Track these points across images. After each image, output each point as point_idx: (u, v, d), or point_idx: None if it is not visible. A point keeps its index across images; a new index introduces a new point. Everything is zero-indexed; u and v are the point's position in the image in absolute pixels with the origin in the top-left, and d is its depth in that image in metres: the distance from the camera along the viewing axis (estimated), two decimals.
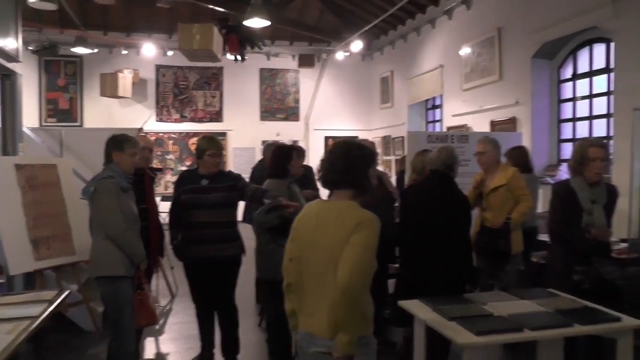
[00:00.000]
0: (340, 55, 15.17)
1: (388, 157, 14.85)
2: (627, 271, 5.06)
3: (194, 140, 14.67)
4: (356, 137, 14.01)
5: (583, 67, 8.89)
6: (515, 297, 3.76)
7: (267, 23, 10.06)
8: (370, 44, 15.25)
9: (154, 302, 4.84)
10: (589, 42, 8.69)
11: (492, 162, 5.38)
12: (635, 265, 5.16)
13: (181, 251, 4.72)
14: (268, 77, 15.86)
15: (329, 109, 16.19)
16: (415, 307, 3.54)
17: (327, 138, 15.66)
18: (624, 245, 5.58)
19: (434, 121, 13.73)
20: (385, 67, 15.25)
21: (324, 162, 2.71)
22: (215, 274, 4.69)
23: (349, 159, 2.62)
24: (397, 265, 6.36)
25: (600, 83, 8.46)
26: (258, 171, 6.72)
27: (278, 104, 15.99)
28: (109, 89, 13.89)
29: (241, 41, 11.61)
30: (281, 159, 4.80)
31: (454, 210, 4.32)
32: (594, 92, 8.62)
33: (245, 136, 15.29)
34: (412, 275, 4.35)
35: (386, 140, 15.02)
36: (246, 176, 5.80)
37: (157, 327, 5.97)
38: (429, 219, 4.25)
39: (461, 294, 3.97)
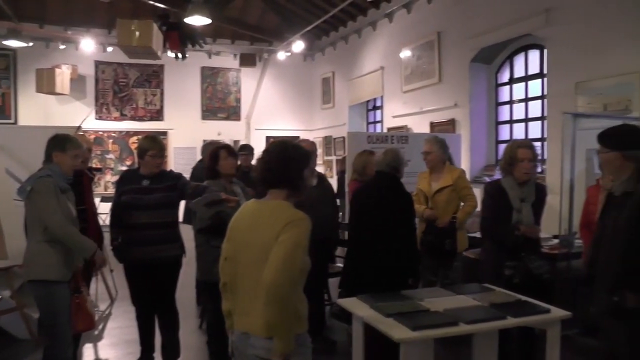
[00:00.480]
0: (281, 55, 15.05)
1: (329, 158, 14.85)
2: (557, 266, 5.26)
3: (135, 139, 14.31)
4: (297, 137, 13.97)
5: (519, 71, 9.16)
6: (451, 293, 3.83)
7: (208, 21, 9.91)
8: (311, 44, 15.21)
9: (93, 306, 4.64)
10: (524, 48, 8.97)
11: (438, 162, 5.43)
12: (565, 260, 5.32)
13: (121, 253, 4.55)
14: (209, 75, 15.58)
15: (271, 108, 16.01)
16: (354, 304, 3.57)
17: (268, 138, 15.44)
18: (555, 241, 5.74)
19: (375, 122, 13.84)
20: (327, 68, 15.25)
21: (259, 161, 2.71)
22: (155, 276, 4.53)
23: (284, 159, 2.62)
24: (339, 265, 6.42)
25: (535, 87, 8.73)
26: (198, 171, 6.59)
27: (219, 103, 15.72)
28: (46, 85, 13.20)
29: (182, 39, 11.39)
30: (210, 160, 4.77)
31: (399, 209, 4.40)
32: (529, 95, 8.90)
33: (186, 135, 14.91)
34: (359, 271, 4.39)
35: (327, 140, 15.03)
36: (187, 176, 5.67)
37: (95, 332, 5.75)
38: (375, 218, 4.33)
39: (404, 288, 4.05)
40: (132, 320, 4.86)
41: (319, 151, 14.69)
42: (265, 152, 2.72)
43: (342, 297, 4.21)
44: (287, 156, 2.64)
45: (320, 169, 14.17)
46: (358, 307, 3.49)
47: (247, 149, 7.54)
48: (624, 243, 3.06)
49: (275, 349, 2.43)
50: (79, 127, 6.04)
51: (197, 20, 9.76)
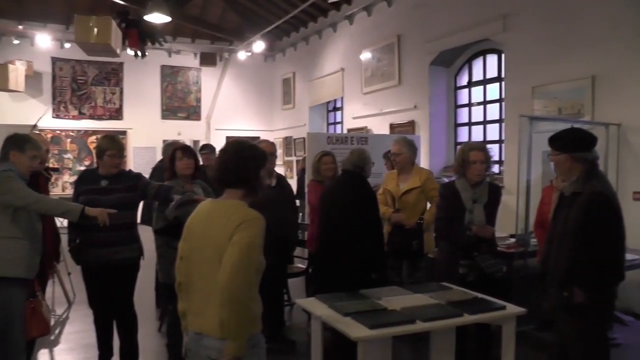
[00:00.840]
0: (242, 55, 14.90)
1: (289, 158, 14.79)
2: (514, 264, 5.33)
3: (93, 138, 13.91)
4: (258, 137, 13.85)
5: (478, 75, 9.27)
6: (408, 292, 3.85)
7: (167, 19, 9.75)
8: (272, 45, 15.11)
9: (49, 310, 4.47)
10: (483, 53, 9.08)
11: (407, 163, 5.43)
12: (522, 259, 5.38)
13: (79, 255, 4.39)
14: (169, 74, 15.28)
15: (231, 108, 15.82)
16: (312, 304, 3.57)
17: (228, 138, 15.22)
18: (512, 240, 5.80)
19: (335, 123, 13.82)
20: (287, 69, 15.17)
21: (216, 160, 2.73)
22: (113, 278, 4.39)
23: (241, 158, 2.62)
24: (299, 265, 6.38)
25: (493, 91, 8.85)
26: (158, 171, 6.45)
27: (179, 102, 15.43)
28: None
29: (142, 36, 11.14)
30: (169, 160, 4.71)
31: (364, 206, 4.46)
32: (488, 99, 9.02)
33: (145, 135, 14.57)
34: (328, 268, 4.49)
35: (288, 141, 14.95)
36: (146, 176, 5.54)
37: (52, 337, 5.52)
38: (341, 215, 4.42)
39: (371, 284, 4.10)
40: (90, 324, 4.69)
41: (279, 152, 14.63)
42: (222, 151, 2.73)
43: (312, 294, 4.30)
44: (244, 156, 2.63)
45: (280, 169, 14.11)
46: (316, 307, 3.48)
47: (209, 148, 7.45)
48: (572, 241, 3.23)
49: (227, 351, 2.39)
50: (34, 126, 5.86)
51: (157, 18, 9.59)
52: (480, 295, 3.70)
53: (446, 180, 8.76)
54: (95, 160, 4.50)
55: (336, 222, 4.48)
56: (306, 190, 6.16)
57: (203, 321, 2.54)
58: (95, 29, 8.91)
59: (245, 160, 2.62)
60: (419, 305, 3.46)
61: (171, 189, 4.34)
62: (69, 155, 14.17)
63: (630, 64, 6.28)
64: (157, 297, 6.54)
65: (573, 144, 3.33)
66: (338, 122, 13.51)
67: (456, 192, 4.25)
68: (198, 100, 15.68)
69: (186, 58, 15.27)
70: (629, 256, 5.23)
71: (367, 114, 11.22)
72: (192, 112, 15.61)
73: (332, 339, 3.69)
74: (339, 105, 13.34)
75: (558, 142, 3.41)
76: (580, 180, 3.30)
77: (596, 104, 6.65)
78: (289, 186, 5.53)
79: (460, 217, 4.21)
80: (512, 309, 3.47)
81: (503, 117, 8.39)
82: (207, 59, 15.16)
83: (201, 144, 11.54)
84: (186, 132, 15.06)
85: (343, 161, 4.77)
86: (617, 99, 6.41)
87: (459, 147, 9.37)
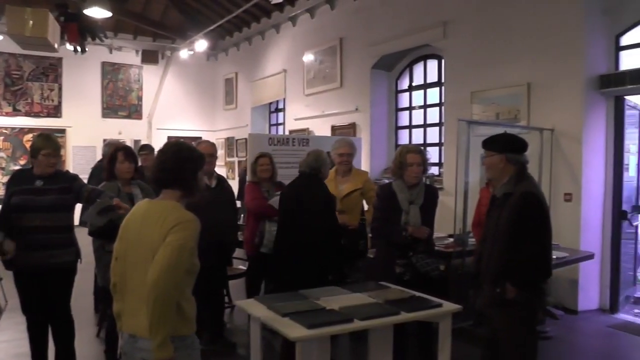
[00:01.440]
0: (184, 53, 14.49)
1: (231, 159, 14.56)
2: (452, 263, 5.41)
3: (30, 136, 13.17)
4: (199, 137, 13.61)
5: (418, 79, 9.36)
6: (347, 291, 3.84)
7: (108, 14, 9.41)
8: (215, 44, 14.81)
9: None
10: (424, 58, 9.19)
11: (351, 165, 5.46)
12: (460, 258, 5.44)
13: (11, 259, 4.14)
14: (110, 71, 14.74)
15: (173, 108, 15.40)
16: (251, 305, 3.55)
17: (170, 138, 14.82)
18: (451, 239, 5.87)
19: (277, 124, 13.69)
20: (230, 69, 14.93)
21: (154, 161, 2.69)
22: (48, 283, 4.16)
23: (179, 159, 2.60)
24: (240, 267, 6.26)
25: (434, 95, 8.97)
26: (98, 171, 6.19)
27: (120, 100, 14.88)
28: None
29: (81, 31, 10.68)
30: (108, 161, 4.56)
31: (319, 207, 4.45)
32: (428, 103, 9.13)
33: (85, 134, 13.95)
34: (285, 268, 4.50)
35: (230, 141, 14.72)
36: (85, 177, 5.30)
37: None
38: (297, 216, 4.45)
39: (327, 284, 4.12)
40: (23, 332, 4.41)
41: (221, 152, 14.46)
42: (160, 152, 2.70)
43: (270, 291, 4.51)
44: (182, 157, 2.62)
45: (221, 170, 13.89)
46: (255, 308, 3.45)
47: (148, 149, 7.28)
48: (504, 240, 3.36)
49: (153, 353, 2.35)
50: None
51: (98, 12, 9.24)
52: (417, 293, 3.73)
53: (387, 181, 8.84)
54: (30, 159, 4.25)
55: (293, 223, 4.49)
56: None
57: (137, 322, 2.48)
58: (31, 22, 8.42)
59: (183, 161, 2.60)
60: (357, 304, 3.47)
61: (101, 194, 4.17)
62: (2, 154, 13.45)
63: (561, 72, 6.48)
64: (95, 301, 6.27)
65: (508, 146, 3.48)
66: (280, 124, 13.40)
67: (393, 193, 4.29)
68: (140, 98, 15.19)
69: (128, 55, 14.78)
70: (560, 254, 5.49)
71: (309, 116, 11.17)
72: (134, 111, 15.11)
73: (285, 342, 3.67)
74: (281, 106, 13.23)
75: (493, 144, 3.54)
76: (512, 181, 3.43)
77: (531, 110, 6.81)
78: (229, 187, 5.42)
79: (396, 218, 4.24)
80: (448, 306, 3.51)
81: (443, 120, 8.50)
82: (149, 57, 14.72)
83: (142, 143, 11.21)
84: (127, 131, 14.60)
85: (300, 162, 4.75)
86: (551, 106, 6.60)
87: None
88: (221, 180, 5.20)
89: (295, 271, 4.38)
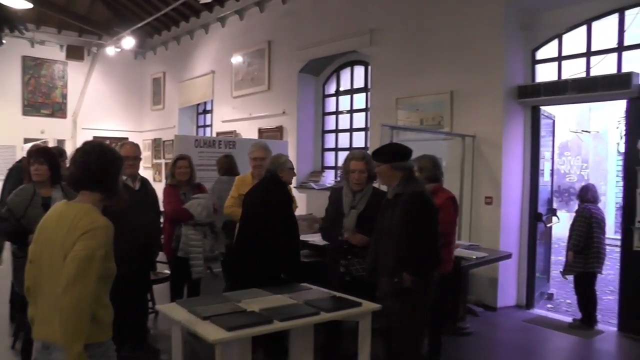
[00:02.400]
0: (111, 50, 13.80)
1: (158, 161, 14.04)
2: None
3: None
4: (126, 138, 13.09)
5: (345, 84, 9.37)
6: (269, 293, 3.89)
7: (29, 5, 8.83)
8: (143, 42, 14.30)
9: None
10: (351, 64, 9.18)
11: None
12: None
13: None
14: (32, 66, 13.84)
15: (99, 107, 14.65)
16: (172, 309, 3.51)
17: (96, 138, 14.12)
18: None
19: (205, 126, 13.32)
20: (158, 68, 14.42)
21: (76, 162, 2.51)
22: None
23: (104, 162, 2.49)
24: (165, 272, 5.99)
25: (360, 100, 9.00)
26: (15, 172, 5.74)
27: (43, 97, 14.01)
28: None
29: None
30: (26, 162, 4.36)
31: (275, 209, 4.49)
32: (355, 107, 9.15)
33: (4, 132, 13.00)
34: (242, 266, 4.56)
35: (157, 143, 14.22)
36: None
37: None
38: (255, 217, 4.52)
39: (281, 283, 4.21)
40: None
41: (148, 154, 14.03)
42: (83, 152, 2.52)
43: (227, 289, 4.59)
44: (107, 160, 2.51)
45: (148, 172, 13.45)
46: (176, 312, 3.42)
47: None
48: (399, 235, 3.62)
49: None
50: None
51: (17, 2, 8.66)
52: (338, 294, 3.84)
53: (313, 185, 8.84)
54: None
55: (250, 223, 4.55)
56: None
57: (50, 329, 2.33)
58: None
59: (107, 163, 2.50)
60: (277, 305, 3.52)
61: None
62: None
63: (482, 82, 6.63)
64: (11, 310, 5.82)
65: (392, 156, 3.76)
66: (208, 125, 13.03)
67: (340, 197, 4.39)
68: (64, 96, 14.38)
69: (51, 50, 13.99)
70: (480, 254, 5.69)
71: (237, 118, 10.93)
72: (57, 109, 14.28)
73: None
74: (209, 108, 12.88)
75: (380, 155, 3.82)
76: (401, 184, 3.72)
77: (454, 117, 6.92)
78: (153, 190, 5.15)
79: (340, 222, 4.33)
80: (368, 306, 3.63)
81: (368, 125, 8.50)
82: (74, 53, 14.05)
83: (67, 143, 10.63)
84: (50, 130, 13.79)
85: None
86: (473, 113, 6.72)
87: (325, 153, 9.53)
88: (145, 183, 4.95)
89: (250, 270, 4.44)
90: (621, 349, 5.51)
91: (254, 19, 10.52)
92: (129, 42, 13.01)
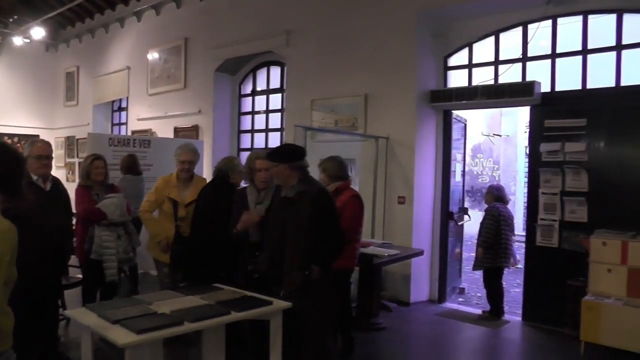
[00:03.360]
0: (19, 40, 12.87)
1: (72, 160, 13.28)
2: None
3: None
4: (37, 135, 12.34)
5: (261, 85, 9.27)
6: (180, 294, 3.83)
7: None
8: (55, 33, 13.48)
9: None
10: (267, 64, 9.10)
11: (193, 172, 5.27)
12: None
13: None
14: None
15: (6, 102, 13.65)
16: (82, 314, 3.39)
17: (2, 136, 13.18)
18: None
19: (120, 124, 12.73)
20: (71, 62, 13.65)
21: None
22: None
23: (8, 162, 2.32)
24: (78, 276, 5.65)
25: (276, 100, 8.95)
26: None
27: None
28: None
29: None
30: None
31: (219, 209, 4.56)
32: (270, 108, 9.08)
33: None
34: (191, 262, 4.71)
35: (70, 141, 13.47)
36: None
37: None
38: (202, 217, 4.69)
39: (222, 280, 4.20)
40: None
41: (60, 152, 13.36)
42: None
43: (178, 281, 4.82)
44: (11, 160, 2.34)
45: (61, 172, 12.81)
46: (85, 317, 3.31)
47: None
48: (306, 230, 3.71)
49: None
50: None
51: None
52: (249, 293, 3.79)
53: None
54: None
55: (198, 222, 4.71)
56: None
57: None
58: None
59: (13, 164, 2.33)
60: (188, 307, 3.46)
61: None
62: None
63: (396, 86, 6.72)
64: None
65: (290, 156, 3.84)
66: (123, 123, 12.46)
67: (245, 196, 4.43)
68: None
69: None
70: (392, 251, 5.82)
71: (152, 116, 10.53)
72: None
73: None
74: (124, 105, 12.36)
75: (277, 155, 3.87)
76: (302, 182, 3.81)
77: (368, 119, 6.98)
78: (64, 191, 4.84)
79: None
80: (279, 304, 3.60)
81: (284, 126, 8.43)
82: None
83: None
84: None
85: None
86: (387, 116, 6.80)
87: (241, 153, 9.39)
88: (56, 183, 4.63)
89: (198, 266, 4.61)
90: (525, 336, 5.78)
91: (170, 15, 10.18)
92: (38, 32, 12.21)
